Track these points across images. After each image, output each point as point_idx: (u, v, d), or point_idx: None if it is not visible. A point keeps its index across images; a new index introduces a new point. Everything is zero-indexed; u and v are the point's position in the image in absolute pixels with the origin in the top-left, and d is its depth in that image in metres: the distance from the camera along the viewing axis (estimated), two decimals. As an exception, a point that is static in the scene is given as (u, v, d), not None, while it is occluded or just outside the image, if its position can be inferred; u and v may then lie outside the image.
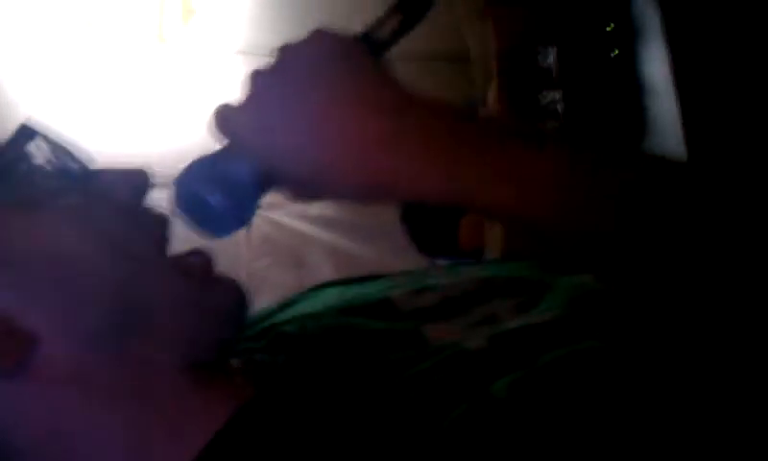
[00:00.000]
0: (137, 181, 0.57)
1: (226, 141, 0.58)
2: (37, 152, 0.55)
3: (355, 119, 0.54)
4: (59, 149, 0.56)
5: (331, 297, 0.69)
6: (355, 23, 0.61)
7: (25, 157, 0.55)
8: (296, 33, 0.58)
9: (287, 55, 0.57)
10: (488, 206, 0.54)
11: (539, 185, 0.51)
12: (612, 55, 1.54)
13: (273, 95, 0.56)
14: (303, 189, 0.58)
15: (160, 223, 0.57)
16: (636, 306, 0.57)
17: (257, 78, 0.57)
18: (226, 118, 0.57)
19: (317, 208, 2.11)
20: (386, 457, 0.48)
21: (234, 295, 0.57)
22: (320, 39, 0.57)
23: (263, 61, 0.58)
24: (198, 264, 0.57)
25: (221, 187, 0.57)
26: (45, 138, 0.56)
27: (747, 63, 1.24)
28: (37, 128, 0.56)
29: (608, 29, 1.54)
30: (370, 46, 0.60)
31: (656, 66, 1.36)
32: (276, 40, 0.59)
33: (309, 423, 0.52)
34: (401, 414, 0.51)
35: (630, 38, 1.51)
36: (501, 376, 0.52)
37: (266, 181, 0.58)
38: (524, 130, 0.56)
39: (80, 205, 0.54)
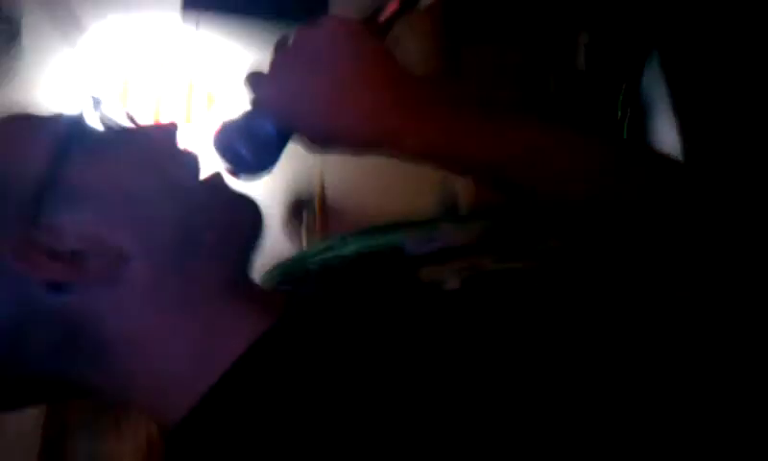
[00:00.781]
0: (170, 128, 0.70)
1: (254, 102, 0.71)
2: (102, 115, 0.70)
3: (366, 89, 0.66)
4: (114, 114, 0.70)
5: (356, 243, 0.80)
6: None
7: (96, 118, 0.69)
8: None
9: (304, 34, 0.69)
10: (473, 159, 0.65)
11: (516, 144, 0.64)
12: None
13: (293, 67, 0.68)
14: (319, 144, 0.69)
15: (193, 158, 0.69)
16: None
17: (280, 51, 0.69)
18: (254, 84, 0.70)
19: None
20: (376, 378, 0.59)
21: (254, 209, 0.69)
22: (331, 23, 0.68)
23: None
24: (222, 183, 0.68)
25: (248, 140, 0.70)
26: (106, 106, 0.70)
27: (750, 136, 1.27)
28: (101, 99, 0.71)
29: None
30: (373, 28, 0.71)
31: (665, 136, 1.41)
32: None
33: (317, 353, 0.62)
34: (390, 340, 0.62)
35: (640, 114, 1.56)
36: (466, 311, 0.64)
37: (286, 136, 0.71)
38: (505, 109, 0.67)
39: (140, 149, 0.67)
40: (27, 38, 1.87)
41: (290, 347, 0.62)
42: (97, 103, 0.70)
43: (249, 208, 0.68)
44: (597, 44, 1.62)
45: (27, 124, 0.66)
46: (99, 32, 1.97)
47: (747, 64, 1.29)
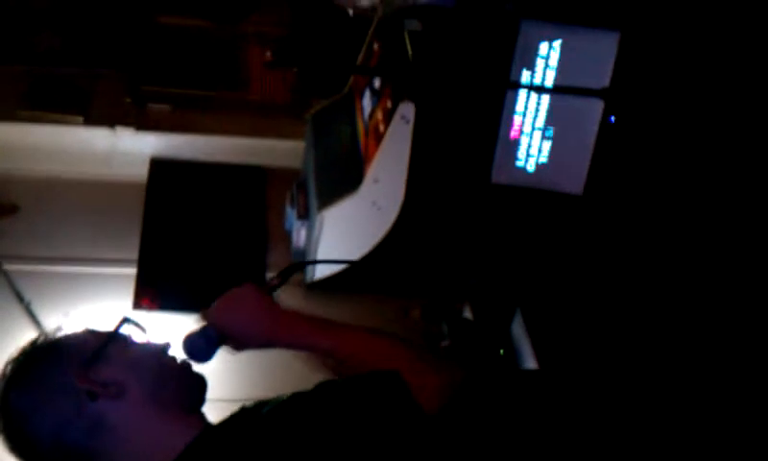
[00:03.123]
0: (162, 345, 1.31)
1: (206, 322, 1.35)
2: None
3: (262, 317, 1.33)
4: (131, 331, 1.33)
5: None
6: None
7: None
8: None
9: (234, 290, 1.37)
10: (319, 347, 1.30)
11: (337, 338, 1.29)
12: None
13: (227, 305, 1.35)
14: (238, 343, 1.34)
15: (171, 355, 1.32)
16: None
17: (222, 298, 1.36)
18: (205, 314, 1.35)
19: None
20: None
21: (201, 380, 1.29)
22: (246, 287, 1.37)
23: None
24: (186, 364, 1.30)
25: (202, 340, 1.32)
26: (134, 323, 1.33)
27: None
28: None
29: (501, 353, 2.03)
30: (266, 290, 1.40)
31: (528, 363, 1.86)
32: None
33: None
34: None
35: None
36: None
37: (221, 340, 1.33)
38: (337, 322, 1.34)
39: (143, 348, 1.30)
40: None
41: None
42: (125, 322, 1.30)
43: (197, 377, 1.30)
44: (480, 301, 2.08)
45: (94, 330, 1.30)
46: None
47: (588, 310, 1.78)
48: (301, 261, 2.10)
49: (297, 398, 1.20)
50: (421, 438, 1.15)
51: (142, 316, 2.16)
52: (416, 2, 2.01)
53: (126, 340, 1.31)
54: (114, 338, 1.28)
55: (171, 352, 1.33)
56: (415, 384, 1.18)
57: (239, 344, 1.37)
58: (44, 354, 1.25)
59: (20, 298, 2.19)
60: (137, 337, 1.33)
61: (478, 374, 1.28)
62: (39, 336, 1.29)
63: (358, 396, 1.19)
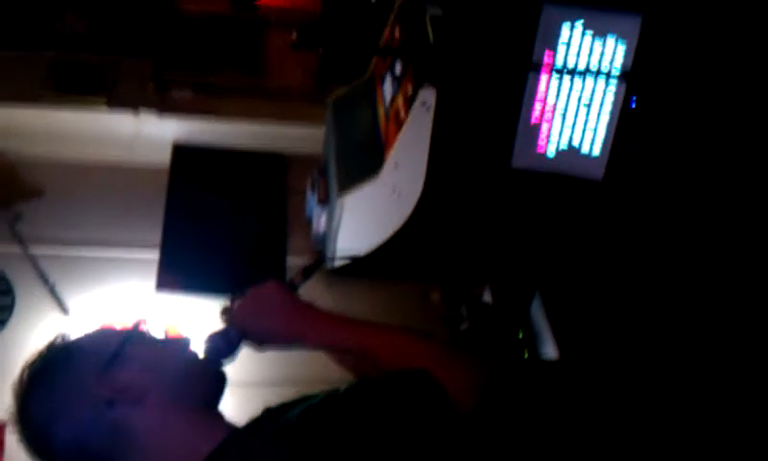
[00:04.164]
0: (184, 339, 1.35)
1: (227, 322, 1.38)
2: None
3: (286, 316, 1.34)
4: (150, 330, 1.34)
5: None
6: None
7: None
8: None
9: (256, 289, 1.38)
10: (345, 345, 1.30)
11: (363, 336, 1.29)
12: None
13: (250, 306, 1.36)
14: (261, 342, 1.35)
15: (193, 351, 1.34)
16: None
17: (247, 296, 1.37)
18: (229, 314, 1.38)
19: None
20: None
21: (221, 377, 1.31)
22: (269, 283, 1.39)
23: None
24: (207, 362, 1.33)
25: (224, 340, 1.35)
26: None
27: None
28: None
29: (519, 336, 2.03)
30: (290, 287, 1.44)
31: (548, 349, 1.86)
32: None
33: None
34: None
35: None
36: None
37: (242, 339, 1.35)
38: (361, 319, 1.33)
39: (164, 346, 1.33)
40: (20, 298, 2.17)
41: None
42: (140, 323, 1.30)
43: (218, 376, 1.30)
44: (499, 285, 2.09)
45: (110, 331, 1.33)
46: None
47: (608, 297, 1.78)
48: (323, 258, 2.10)
49: (329, 403, 1.13)
50: (462, 441, 1.11)
51: (165, 298, 2.21)
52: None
53: (144, 338, 1.27)
54: (131, 339, 1.23)
55: (191, 348, 1.31)
56: (446, 382, 1.13)
57: (262, 343, 1.36)
58: (61, 359, 1.22)
59: (45, 280, 2.22)
60: (156, 334, 1.31)
61: (502, 368, 1.29)
62: (57, 338, 1.27)
63: (397, 402, 1.11)
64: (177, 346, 1.32)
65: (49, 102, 2.66)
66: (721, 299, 1.77)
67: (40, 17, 2.87)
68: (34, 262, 2.26)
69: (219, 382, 1.29)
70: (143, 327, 1.29)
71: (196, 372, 1.27)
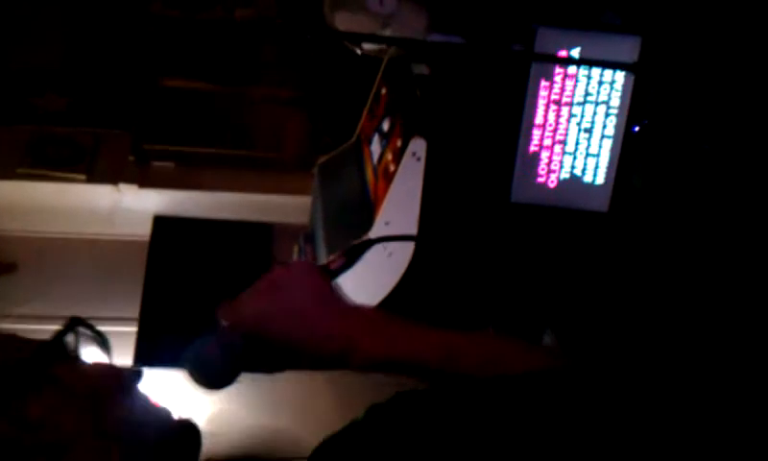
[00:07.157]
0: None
1: (227, 324, 0.85)
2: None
3: (329, 314, 0.86)
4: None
5: None
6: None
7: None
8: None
9: (278, 271, 0.89)
10: (419, 360, 0.86)
11: (420, 347, 0.88)
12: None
13: (266, 295, 0.86)
14: (280, 358, 0.84)
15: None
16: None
17: (259, 282, 0.87)
18: (227, 311, 0.87)
19: None
20: None
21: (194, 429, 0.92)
22: (298, 263, 0.96)
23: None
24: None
25: (217, 360, 0.82)
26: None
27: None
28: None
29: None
30: (324, 271, 0.97)
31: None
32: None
33: None
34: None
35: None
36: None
37: (249, 352, 0.82)
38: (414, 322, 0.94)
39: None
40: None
41: None
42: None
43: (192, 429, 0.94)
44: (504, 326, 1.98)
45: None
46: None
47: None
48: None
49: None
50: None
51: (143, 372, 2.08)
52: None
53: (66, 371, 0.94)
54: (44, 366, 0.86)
55: (142, 389, 0.97)
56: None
57: (282, 358, 0.84)
58: None
59: (15, 355, 2.09)
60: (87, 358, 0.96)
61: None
62: None
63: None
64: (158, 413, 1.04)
65: (26, 176, 2.59)
66: (734, 336, 1.67)
67: (19, 94, 2.82)
68: (4, 337, 2.14)
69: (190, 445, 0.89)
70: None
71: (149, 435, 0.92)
